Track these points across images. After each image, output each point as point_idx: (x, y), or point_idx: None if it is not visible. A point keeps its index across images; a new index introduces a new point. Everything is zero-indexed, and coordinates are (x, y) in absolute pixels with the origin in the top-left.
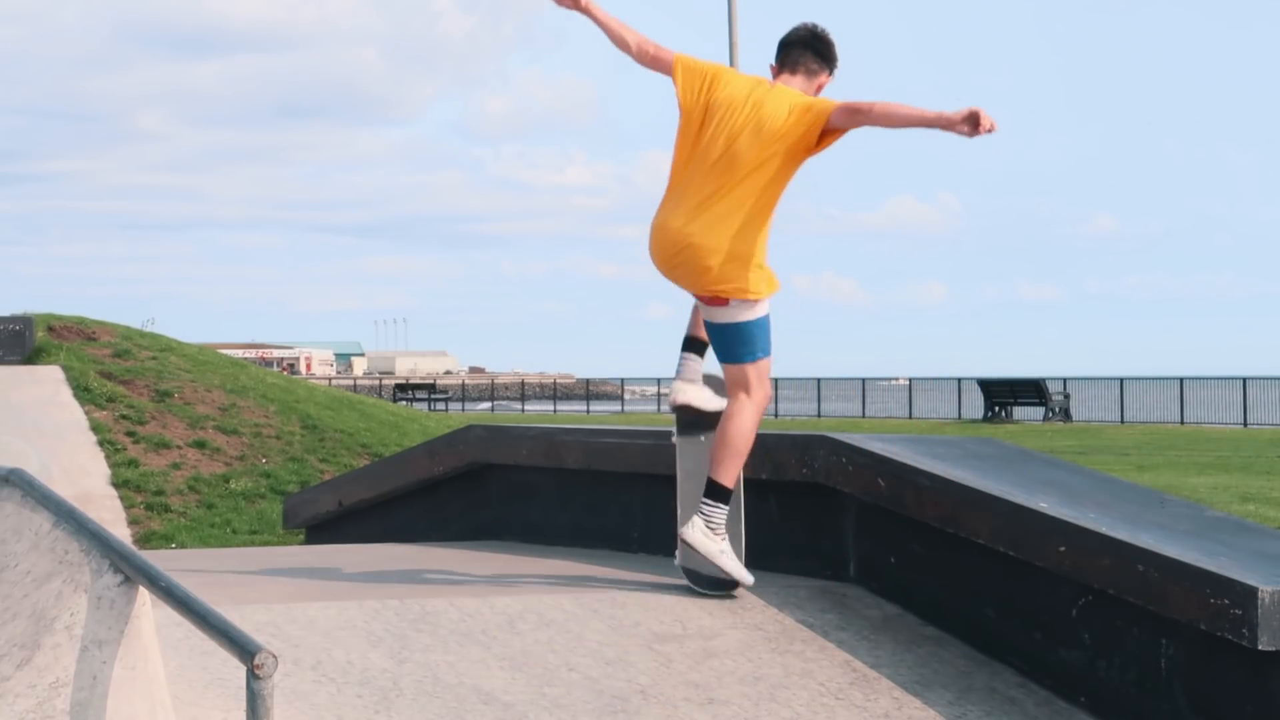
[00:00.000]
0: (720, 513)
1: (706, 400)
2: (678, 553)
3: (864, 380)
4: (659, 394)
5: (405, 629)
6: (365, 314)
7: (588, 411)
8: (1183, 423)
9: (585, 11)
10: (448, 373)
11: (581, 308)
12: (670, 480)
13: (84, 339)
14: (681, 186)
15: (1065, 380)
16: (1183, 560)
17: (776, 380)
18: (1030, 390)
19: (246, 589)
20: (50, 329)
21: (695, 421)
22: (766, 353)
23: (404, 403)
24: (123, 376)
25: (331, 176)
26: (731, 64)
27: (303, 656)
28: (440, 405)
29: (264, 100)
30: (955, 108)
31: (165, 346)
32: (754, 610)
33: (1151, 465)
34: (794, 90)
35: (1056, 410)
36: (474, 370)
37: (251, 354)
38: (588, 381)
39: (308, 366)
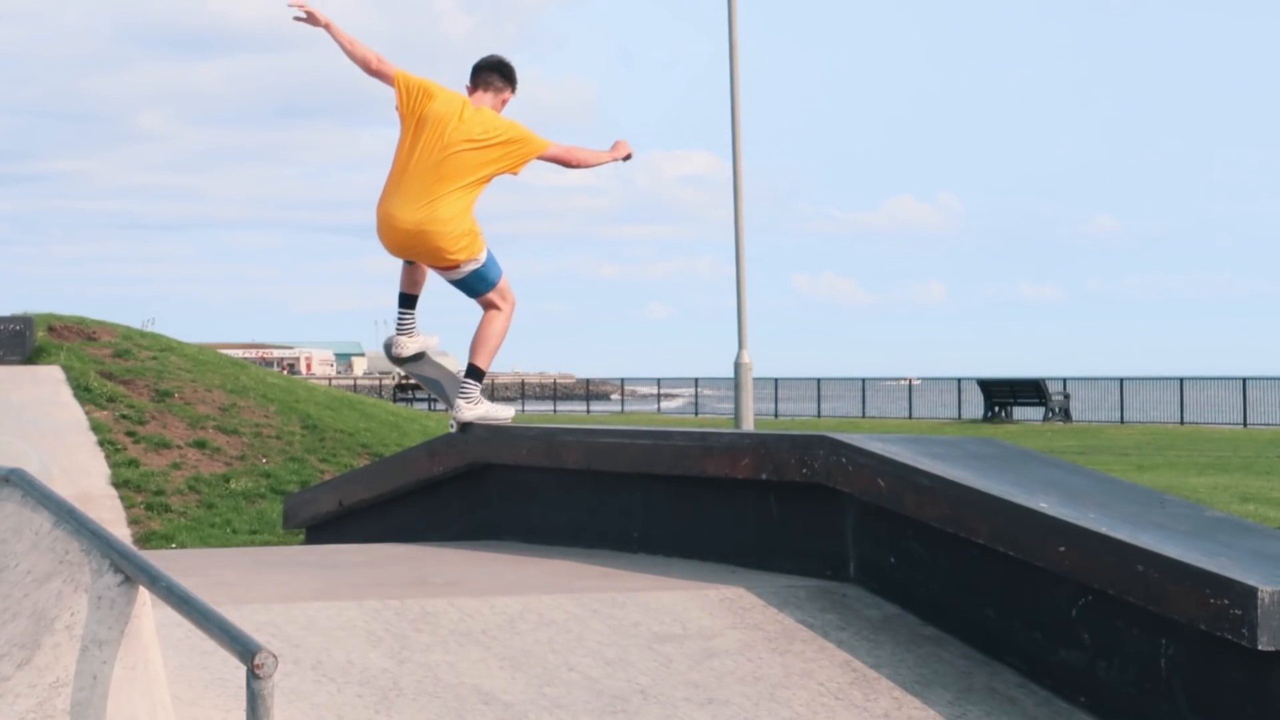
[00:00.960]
0: (477, 388)
1: (432, 348)
2: (452, 424)
3: (864, 380)
4: (658, 394)
5: (405, 629)
6: (365, 314)
7: (588, 411)
8: (1183, 423)
9: (325, 28)
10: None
11: (581, 307)
12: (669, 480)
13: (84, 339)
14: (405, 183)
15: (1065, 380)
16: (1182, 560)
17: (776, 380)
18: (1030, 390)
19: (246, 589)
20: (50, 329)
21: (415, 359)
22: (499, 276)
23: (404, 402)
24: (123, 376)
25: (332, 176)
26: (731, 65)
27: (303, 656)
28: (441, 405)
29: (265, 100)
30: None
31: (165, 346)
32: (754, 610)
33: (1151, 465)
34: (495, 114)
35: (1056, 410)
36: None
37: (252, 354)
38: (587, 381)
39: (308, 366)
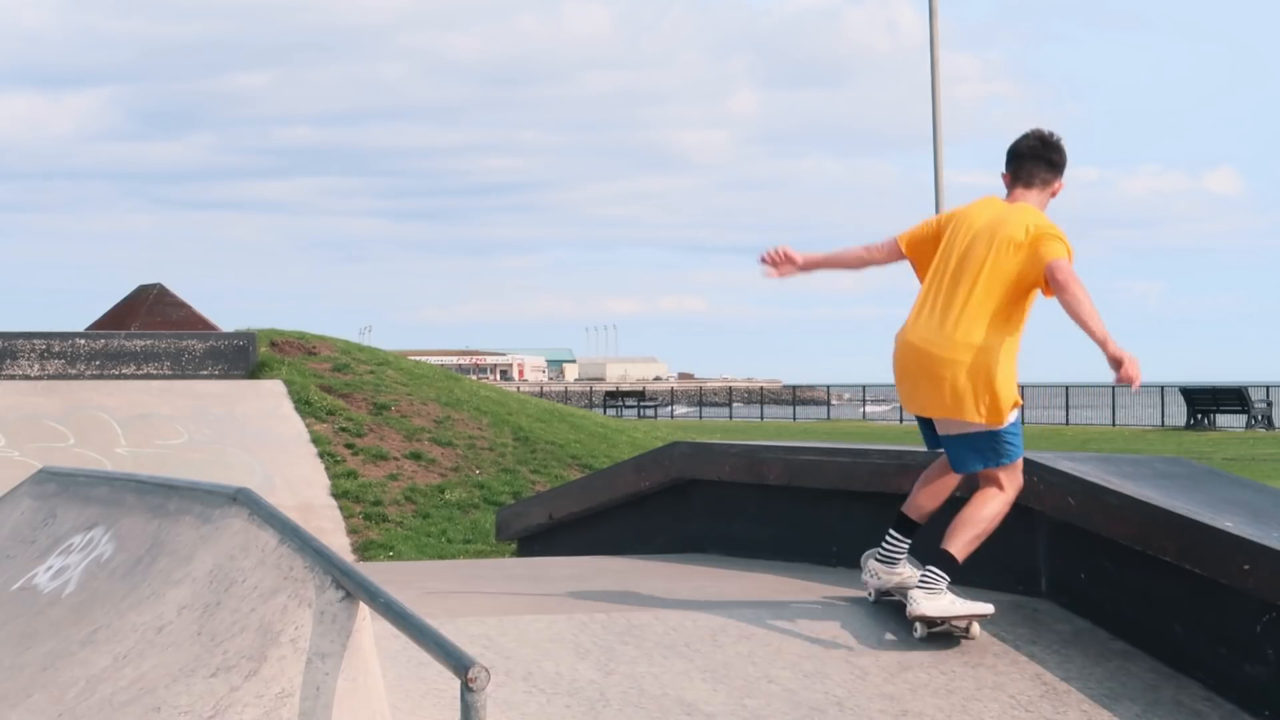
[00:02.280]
0: (943, 582)
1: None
2: (916, 629)
3: (1067, 387)
4: (864, 400)
5: (612, 641)
6: (577, 322)
7: (794, 419)
8: None
9: (805, 268)
10: (657, 379)
11: (785, 315)
12: (867, 496)
13: (304, 354)
14: (920, 305)
15: (1268, 388)
16: None
17: None
18: (1233, 398)
19: (461, 601)
20: (272, 344)
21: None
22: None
23: (613, 410)
24: (342, 390)
25: None
26: (933, 73)
27: (514, 668)
28: (649, 412)
29: None
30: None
31: (382, 360)
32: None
33: None
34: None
35: (1259, 418)
36: (683, 376)
37: (465, 360)
38: (794, 388)
39: (520, 373)
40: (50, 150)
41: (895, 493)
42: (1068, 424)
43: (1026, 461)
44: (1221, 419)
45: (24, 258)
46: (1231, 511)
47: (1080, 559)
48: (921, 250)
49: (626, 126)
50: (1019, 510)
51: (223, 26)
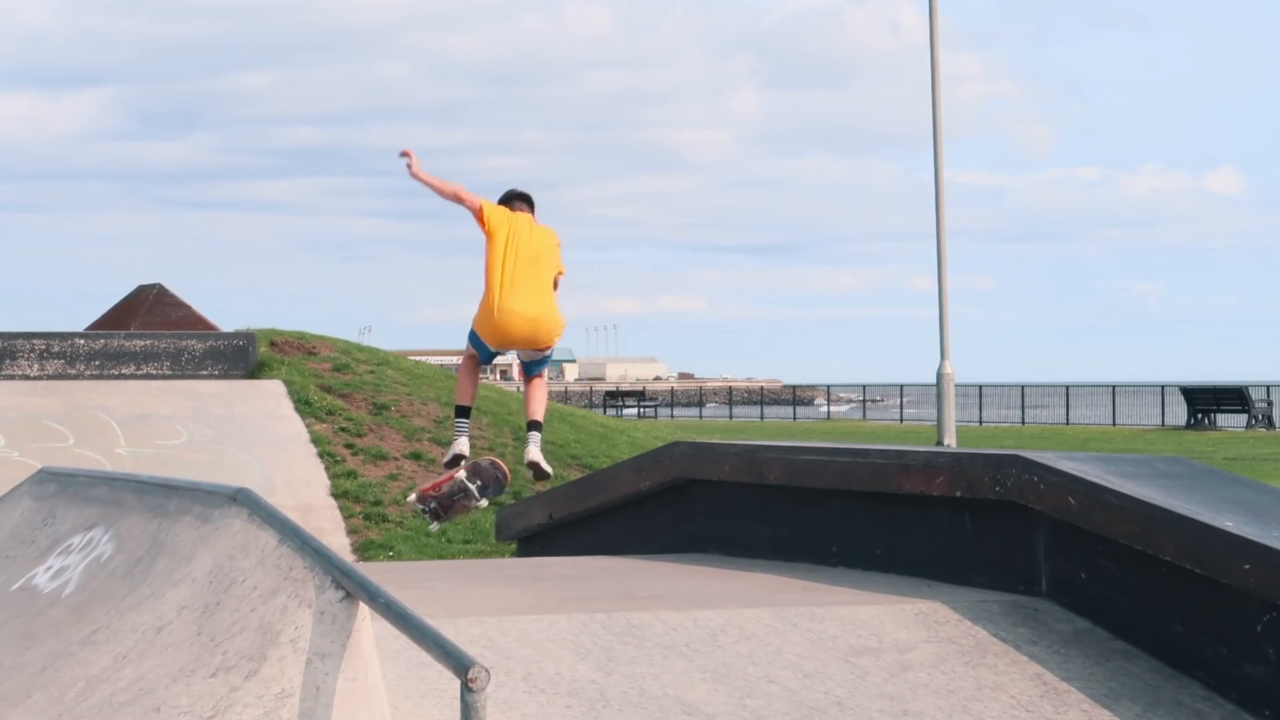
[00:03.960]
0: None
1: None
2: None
3: (1067, 387)
4: (864, 401)
5: (612, 642)
6: (576, 321)
7: (794, 418)
8: None
9: (415, 178)
10: (657, 379)
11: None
12: (867, 496)
13: (304, 354)
14: (511, 282)
15: (1269, 388)
16: None
17: (980, 388)
18: (1233, 397)
19: (461, 601)
20: (272, 344)
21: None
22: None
23: (613, 410)
24: (341, 390)
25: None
26: (933, 71)
27: (514, 668)
28: (649, 411)
29: None
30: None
31: (382, 360)
32: (948, 624)
33: None
34: (543, 226)
35: (1259, 418)
36: (683, 376)
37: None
38: (794, 388)
39: (519, 373)
40: (51, 150)
41: (896, 492)
42: (1068, 423)
43: (1026, 462)
44: (1222, 419)
45: (24, 257)
46: (1232, 511)
47: (1080, 559)
48: (492, 226)
49: (628, 126)
50: (1018, 509)
51: (224, 26)
